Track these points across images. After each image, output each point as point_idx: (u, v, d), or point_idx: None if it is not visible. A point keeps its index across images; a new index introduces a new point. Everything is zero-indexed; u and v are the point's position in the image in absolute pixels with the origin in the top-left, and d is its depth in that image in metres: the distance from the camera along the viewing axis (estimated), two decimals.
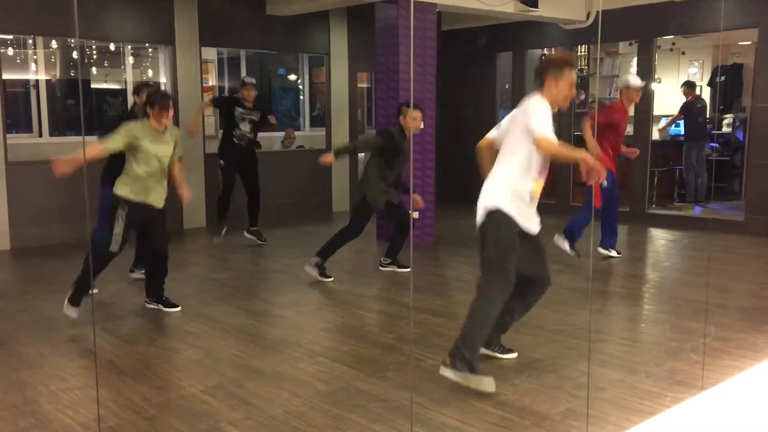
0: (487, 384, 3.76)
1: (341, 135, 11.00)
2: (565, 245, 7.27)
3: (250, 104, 7.91)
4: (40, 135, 8.78)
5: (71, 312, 5.09)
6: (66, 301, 5.12)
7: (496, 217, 3.84)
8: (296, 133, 11.40)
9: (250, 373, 4.19)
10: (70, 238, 8.04)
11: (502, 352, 4.36)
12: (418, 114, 6.46)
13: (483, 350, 4.14)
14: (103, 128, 6.77)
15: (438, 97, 8.55)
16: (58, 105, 9.64)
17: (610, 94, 12.54)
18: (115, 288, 6.19)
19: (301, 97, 11.89)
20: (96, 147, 4.92)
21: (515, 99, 11.23)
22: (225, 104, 8.06)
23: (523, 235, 3.90)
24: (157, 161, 5.12)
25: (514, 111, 4.00)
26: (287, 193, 10.37)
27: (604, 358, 4.36)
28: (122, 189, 5.11)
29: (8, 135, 8.16)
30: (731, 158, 10.91)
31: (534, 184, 3.87)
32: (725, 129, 11.08)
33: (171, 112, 5.11)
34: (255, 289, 6.24)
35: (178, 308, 5.51)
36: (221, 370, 4.25)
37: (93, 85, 10.01)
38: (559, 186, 10.67)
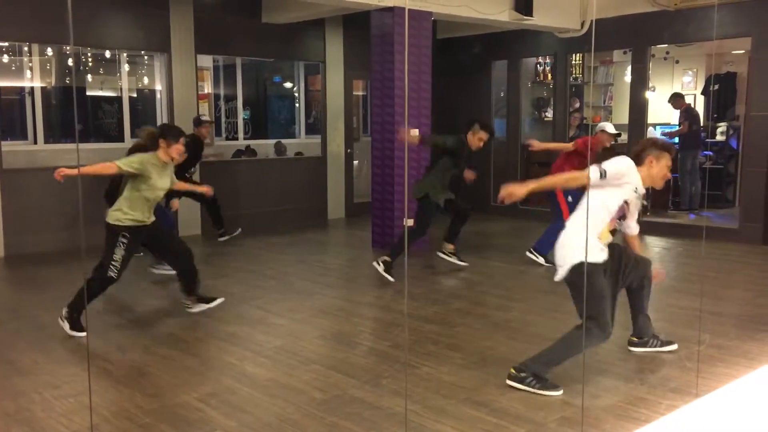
0: (556, 393, 3.97)
1: (337, 142, 11.02)
2: (540, 259, 7.46)
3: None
4: (35, 142, 8.76)
5: (78, 334, 5.03)
6: (69, 328, 5.04)
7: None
8: (293, 140, 11.42)
9: (245, 381, 4.18)
10: (64, 245, 8.02)
11: (661, 345, 4.65)
12: (485, 134, 6.92)
13: (641, 349, 4.62)
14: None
15: (433, 105, 8.57)
16: (53, 112, 9.62)
17: (604, 102, 12.59)
18: (109, 296, 6.17)
19: (297, 105, 11.90)
20: (110, 166, 5.07)
21: (510, 107, 11.31)
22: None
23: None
24: (159, 192, 5.32)
25: None
26: (283, 200, 10.37)
27: (598, 366, 4.37)
28: (122, 218, 5.16)
29: (3, 142, 8.14)
30: (725, 166, 10.95)
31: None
32: (719, 137, 11.12)
33: (181, 147, 5.30)
34: (250, 296, 6.23)
35: (220, 299, 5.66)
36: (215, 378, 4.24)
37: (88, 93, 10.00)
38: (554, 194, 10.68)
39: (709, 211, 10.48)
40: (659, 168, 4.16)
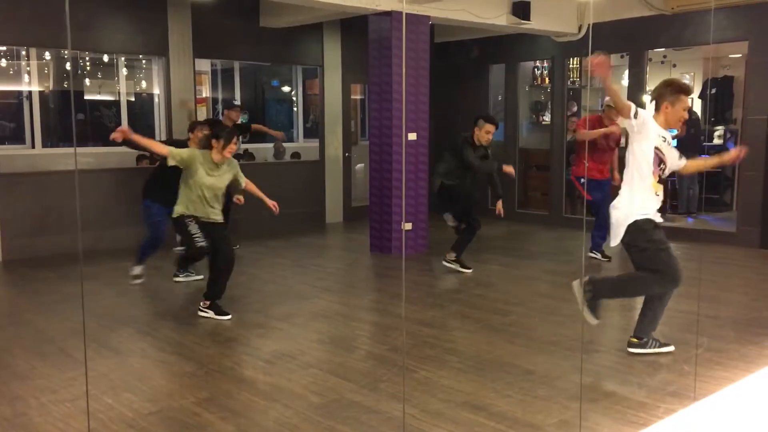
0: (592, 320, 4.47)
1: (335, 146, 11.02)
2: (598, 255, 7.77)
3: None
4: (33, 146, 8.76)
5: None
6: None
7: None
8: (291, 144, 11.42)
9: (243, 385, 4.18)
10: (62, 249, 8.01)
11: (660, 346, 4.69)
12: (491, 127, 7.02)
13: (640, 350, 4.67)
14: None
15: (431, 109, 8.58)
16: (51, 116, 9.63)
17: (601, 106, 12.58)
18: (108, 300, 6.17)
19: (295, 109, 11.92)
20: (163, 148, 5.44)
21: (508, 111, 11.32)
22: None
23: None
24: (208, 190, 5.50)
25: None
26: (280, 203, 10.32)
27: (596, 370, 4.37)
28: (182, 208, 5.52)
29: (1, 146, 8.14)
30: (723, 170, 10.96)
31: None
32: (716, 141, 11.14)
33: (234, 147, 5.48)
34: (248, 300, 6.22)
35: (230, 316, 5.60)
36: (213, 382, 4.23)
37: (86, 97, 10.00)
38: (553, 198, 10.71)
39: (707, 214, 10.50)
40: (674, 112, 4.37)
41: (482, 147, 7.09)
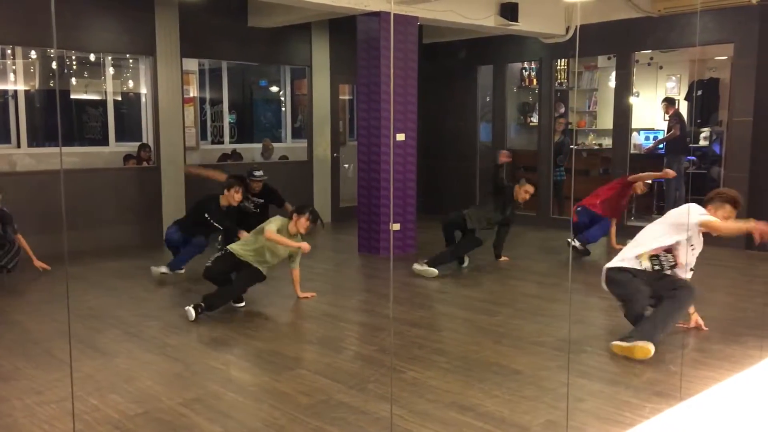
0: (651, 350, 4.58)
1: (323, 146, 11.01)
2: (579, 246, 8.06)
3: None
4: (18, 146, 8.69)
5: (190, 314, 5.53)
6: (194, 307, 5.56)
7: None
8: (278, 144, 11.40)
9: (230, 386, 4.16)
10: (47, 250, 7.93)
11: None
12: (531, 188, 7.55)
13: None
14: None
15: (419, 109, 8.58)
16: (36, 116, 9.55)
17: (588, 107, 12.69)
18: (94, 301, 6.14)
19: (283, 109, 11.90)
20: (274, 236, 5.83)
21: (496, 112, 11.35)
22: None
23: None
24: (269, 250, 5.87)
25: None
26: None
27: (583, 370, 4.39)
28: (236, 247, 5.93)
29: None
30: (708, 171, 11.04)
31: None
32: (702, 142, 11.22)
33: (307, 222, 5.93)
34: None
35: (193, 317, 5.58)
36: (200, 383, 4.22)
37: (72, 96, 9.94)
38: (540, 198, 10.74)
39: None
40: (715, 216, 4.77)
41: (517, 202, 7.58)
